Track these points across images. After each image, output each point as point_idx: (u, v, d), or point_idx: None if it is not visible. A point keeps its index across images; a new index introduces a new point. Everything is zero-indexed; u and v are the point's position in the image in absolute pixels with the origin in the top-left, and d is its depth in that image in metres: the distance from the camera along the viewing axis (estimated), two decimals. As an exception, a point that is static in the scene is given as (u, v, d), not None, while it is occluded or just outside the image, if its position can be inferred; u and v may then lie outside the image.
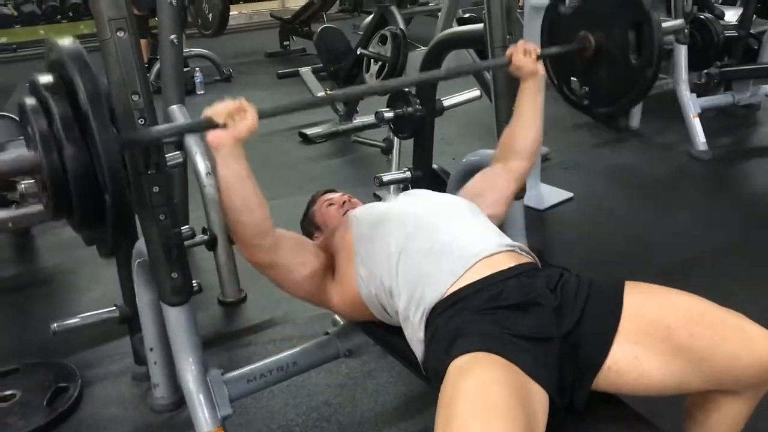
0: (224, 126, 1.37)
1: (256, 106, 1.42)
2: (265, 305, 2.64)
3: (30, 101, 1.17)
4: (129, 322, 2.21)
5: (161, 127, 1.49)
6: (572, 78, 2.07)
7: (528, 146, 1.78)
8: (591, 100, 2.03)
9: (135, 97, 1.53)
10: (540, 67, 1.78)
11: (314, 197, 1.95)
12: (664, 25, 1.86)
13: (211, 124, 1.37)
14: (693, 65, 4.23)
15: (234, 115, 1.37)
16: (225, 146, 1.37)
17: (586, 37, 1.91)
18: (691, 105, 4.12)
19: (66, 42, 1.20)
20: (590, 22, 1.93)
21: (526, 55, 1.76)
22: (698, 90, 4.27)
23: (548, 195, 3.54)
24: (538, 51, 1.78)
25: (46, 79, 1.18)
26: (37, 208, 2.55)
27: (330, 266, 1.64)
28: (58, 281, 2.99)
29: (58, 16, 8.09)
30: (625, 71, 1.88)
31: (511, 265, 1.43)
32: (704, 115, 4.15)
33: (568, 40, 1.96)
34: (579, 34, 1.93)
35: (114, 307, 2.23)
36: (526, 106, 1.78)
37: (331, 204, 1.86)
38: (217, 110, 1.37)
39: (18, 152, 1.19)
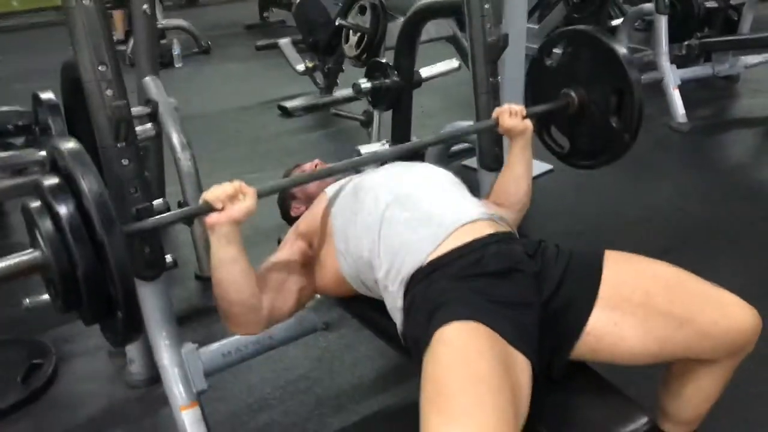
0: (222, 209, 1.34)
1: (255, 188, 1.39)
2: (243, 279, 2.62)
3: (34, 204, 1.20)
4: (104, 297, 2.18)
5: (161, 216, 1.47)
6: (552, 127, 2.07)
7: (519, 199, 1.77)
8: (570, 151, 2.04)
9: (102, 68, 1.50)
10: (528, 125, 1.78)
11: (286, 173, 1.95)
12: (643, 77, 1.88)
13: (210, 209, 1.34)
14: (673, 37, 4.22)
15: (233, 198, 1.34)
16: (222, 227, 1.34)
17: (569, 95, 1.92)
18: (672, 77, 4.12)
19: (71, 145, 1.22)
20: (574, 78, 1.94)
21: (512, 116, 1.77)
22: (678, 62, 4.26)
23: (528, 167, 3.53)
24: (524, 111, 1.79)
25: (50, 181, 1.20)
26: (10, 182, 2.51)
27: (309, 255, 1.62)
28: (33, 257, 2.94)
29: (31, -14, 7.91)
30: (605, 132, 1.90)
31: (490, 232, 1.43)
32: (684, 87, 4.16)
33: (552, 94, 1.96)
34: (562, 92, 1.94)
35: (88, 283, 2.20)
36: (517, 162, 1.78)
37: (303, 171, 1.86)
38: (216, 194, 1.34)
39: (24, 254, 1.21)
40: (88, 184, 1.16)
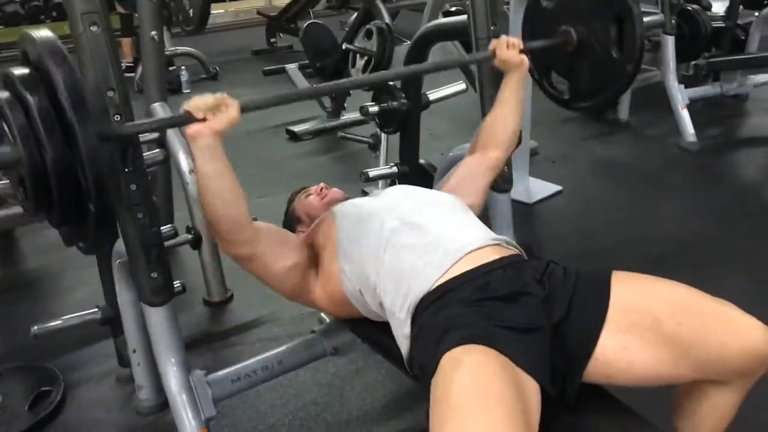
0: (204, 120, 1.33)
1: (239, 100, 1.38)
2: (251, 305, 2.60)
3: (5, 95, 1.15)
4: (112, 323, 2.17)
5: (140, 121, 1.46)
6: (552, 72, 2.06)
7: (507, 137, 1.80)
8: (571, 94, 2.02)
9: (110, 93, 1.50)
10: (524, 59, 1.79)
11: (292, 196, 1.97)
12: (645, 20, 1.85)
13: (191, 119, 1.33)
14: (681, 57, 4.22)
15: (214, 109, 1.34)
16: (203, 138, 1.34)
17: (568, 31, 1.90)
18: (680, 96, 4.11)
19: (42, 34, 1.17)
20: (572, 16, 1.92)
21: (509, 48, 1.77)
22: (686, 81, 4.26)
23: (537, 189, 3.52)
24: (521, 45, 1.79)
25: (21, 72, 1.15)
26: (18, 209, 2.51)
27: (313, 261, 1.61)
28: (41, 283, 2.94)
29: (42, 16, 7.99)
30: (607, 65, 1.87)
31: (497, 257, 1.41)
32: (692, 107, 4.14)
33: (549, 34, 1.95)
34: (561, 28, 1.92)
35: (96, 309, 2.19)
36: (509, 97, 1.79)
37: (309, 194, 1.88)
38: (197, 104, 1.33)
39: None
40: (61, 73, 1.12)
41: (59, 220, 1.21)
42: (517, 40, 1.78)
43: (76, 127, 1.11)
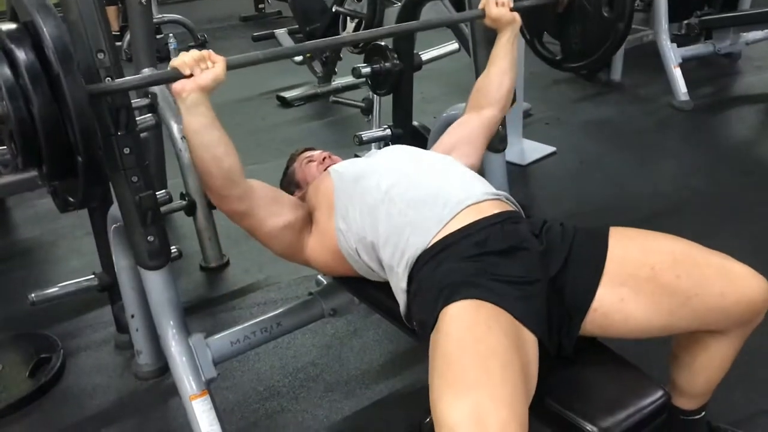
0: (190, 76, 1.34)
1: (225, 57, 1.39)
2: (248, 269, 2.61)
3: None
4: (109, 289, 2.18)
5: (128, 78, 1.46)
6: (544, 33, 2.05)
7: (502, 95, 1.79)
8: (564, 55, 2.02)
9: (100, 56, 1.48)
10: (516, 16, 1.78)
11: (293, 156, 1.93)
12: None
13: (178, 75, 1.34)
14: (673, 16, 4.19)
15: (200, 64, 1.35)
16: (190, 94, 1.35)
17: None
18: (672, 55, 4.09)
19: None
20: None
21: (499, 5, 1.76)
22: (679, 40, 4.23)
23: (531, 150, 3.52)
24: (511, 3, 1.79)
25: (8, 27, 1.16)
26: (10, 178, 2.49)
27: (308, 221, 1.61)
28: (37, 253, 2.93)
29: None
30: (597, 25, 1.88)
31: (496, 212, 1.41)
32: (685, 66, 4.12)
33: None
34: None
35: (93, 276, 2.19)
36: (502, 55, 1.79)
37: (311, 161, 1.85)
38: (183, 60, 1.35)
39: None
40: (47, 27, 1.13)
41: (49, 174, 1.22)
42: None
43: (63, 79, 1.13)
